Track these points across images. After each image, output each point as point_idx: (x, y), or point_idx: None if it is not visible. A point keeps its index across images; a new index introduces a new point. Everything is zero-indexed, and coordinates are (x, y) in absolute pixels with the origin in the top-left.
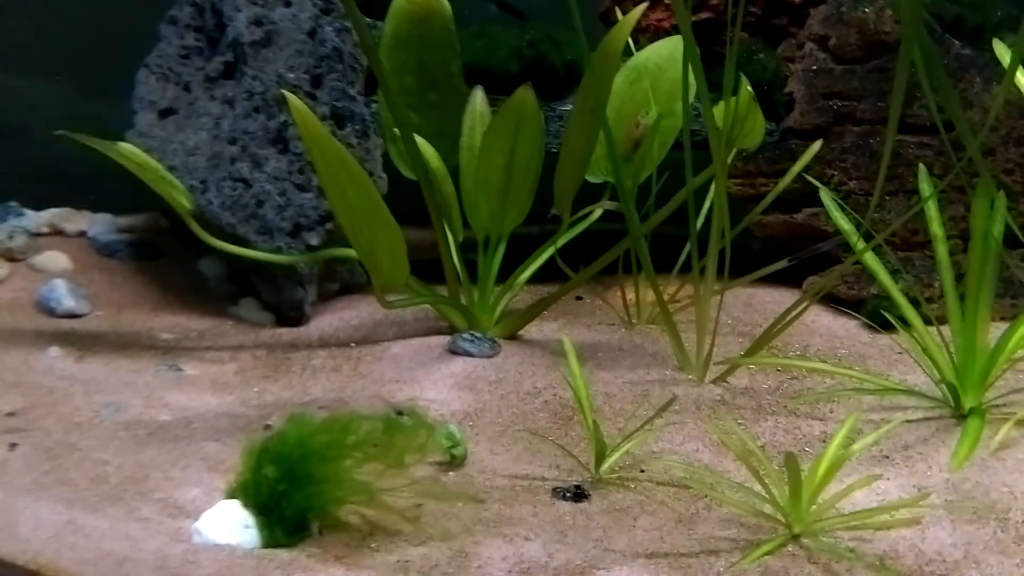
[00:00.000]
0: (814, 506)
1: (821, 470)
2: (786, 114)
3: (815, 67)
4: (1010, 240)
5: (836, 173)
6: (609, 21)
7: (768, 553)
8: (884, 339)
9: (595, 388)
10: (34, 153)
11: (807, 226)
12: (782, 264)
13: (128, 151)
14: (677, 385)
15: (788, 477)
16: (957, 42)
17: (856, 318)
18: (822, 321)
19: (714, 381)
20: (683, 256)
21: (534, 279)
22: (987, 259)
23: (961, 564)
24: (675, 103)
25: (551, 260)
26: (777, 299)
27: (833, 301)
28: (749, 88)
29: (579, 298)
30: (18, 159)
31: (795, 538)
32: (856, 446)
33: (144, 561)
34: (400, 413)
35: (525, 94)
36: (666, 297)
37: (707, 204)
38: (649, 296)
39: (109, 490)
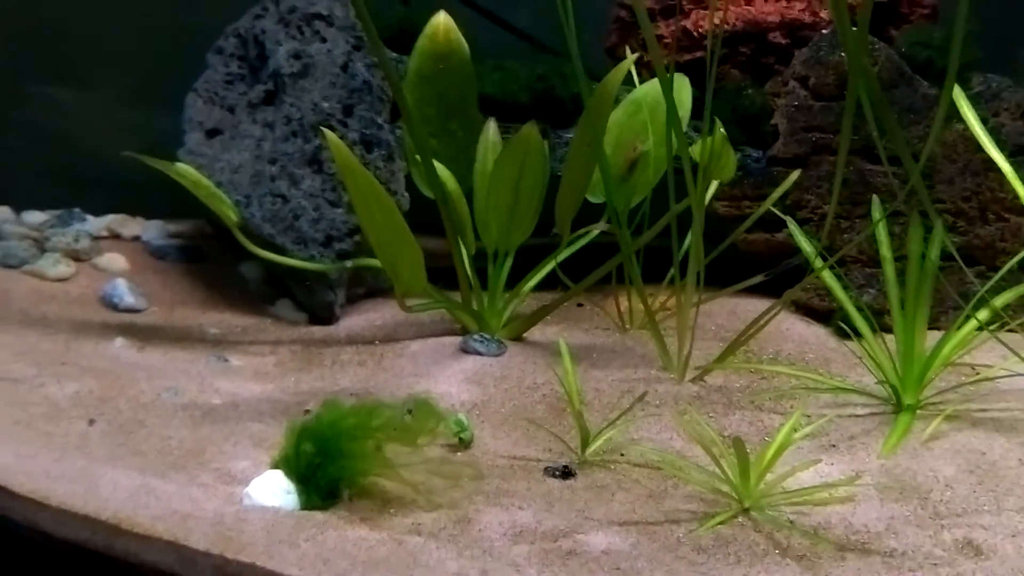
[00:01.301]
0: (762, 485)
1: (768, 455)
2: (772, 143)
3: (796, 103)
4: (968, 258)
5: (812, 198)
6: (615, 55)
7: (721, 523)
8: (849, 345)
9: (587, 384)
10: (94, 163)
11: (787, 244)
12: (759, 278)
13: (185, 171)
14: (660, 383)
15: (737, 460)
16: (925, 82)
17: (825, 326)
18: (796, 329)
19: (692, 380)
20: (673, 269)
21: (539, 287)
22: (923, 279)
23: (882, 535)
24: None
25: (555, 270)
26: (759, 308)
27: (807, 311)
28: (723, 130)
29: (580, 305)
30: (81, 169)
31: (745, 511)
32: (797, 435)
33: (204, 518)
34: (409, 411)
35: (531, 130)
36: (657, 305)
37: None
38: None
39: (173, 460)
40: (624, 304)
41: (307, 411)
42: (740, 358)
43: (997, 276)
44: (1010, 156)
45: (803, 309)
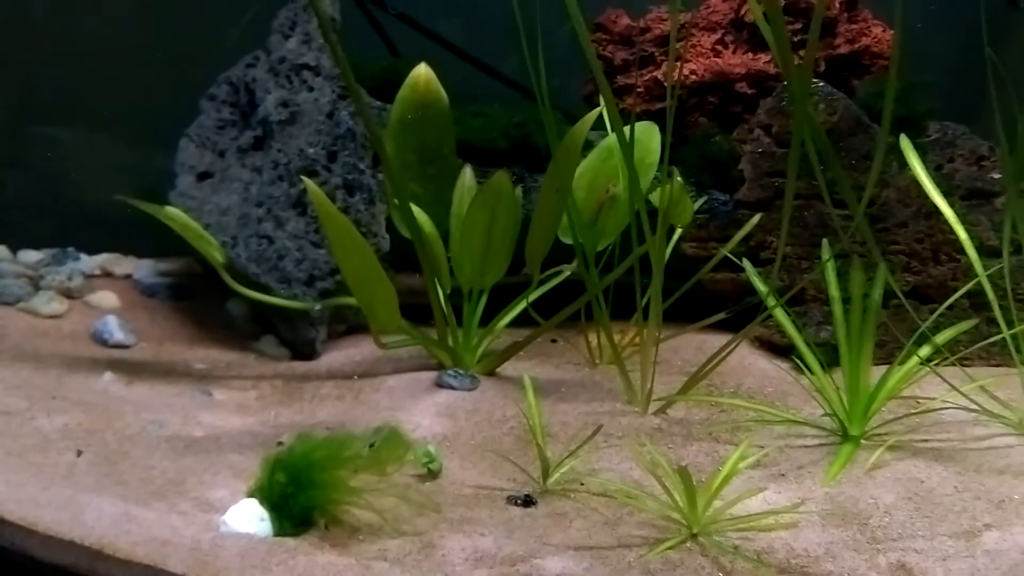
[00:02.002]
0: (711, 511)
1: (715, 484)
2: (739, 188)
3: (760, 150)
4: (922, 297)
5: (774, 240)
6: (591, 102)
7: (670, 548)
8: (806, 380)
9: (555, 417)
10: (90, 203)
11: (751, 283)
12: (721, 315)
13: (174, 214)
14: (623, 416)
15: (684, 488)
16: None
17: (786, 361)
18: (758, 364)
19: (655, 413)
20: (640, 306)
21: (515, 323)
22: (866, 318)
23: (821, 559)
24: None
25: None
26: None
27: (769, 346)
28: (680, 179)
29: (554, 341)
30: (77, 209)
31: (694, 537)
32: (742, 465)
33: (182, 544)
34: (371, 445)
35: (502, 178)
36: (626, 341)
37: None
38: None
39: (155, 489)
40: (594, 340)
41: (280, 443)
42: (703, 392)
43: (936, 313)
44: (963, 199)
45: (766, 345)
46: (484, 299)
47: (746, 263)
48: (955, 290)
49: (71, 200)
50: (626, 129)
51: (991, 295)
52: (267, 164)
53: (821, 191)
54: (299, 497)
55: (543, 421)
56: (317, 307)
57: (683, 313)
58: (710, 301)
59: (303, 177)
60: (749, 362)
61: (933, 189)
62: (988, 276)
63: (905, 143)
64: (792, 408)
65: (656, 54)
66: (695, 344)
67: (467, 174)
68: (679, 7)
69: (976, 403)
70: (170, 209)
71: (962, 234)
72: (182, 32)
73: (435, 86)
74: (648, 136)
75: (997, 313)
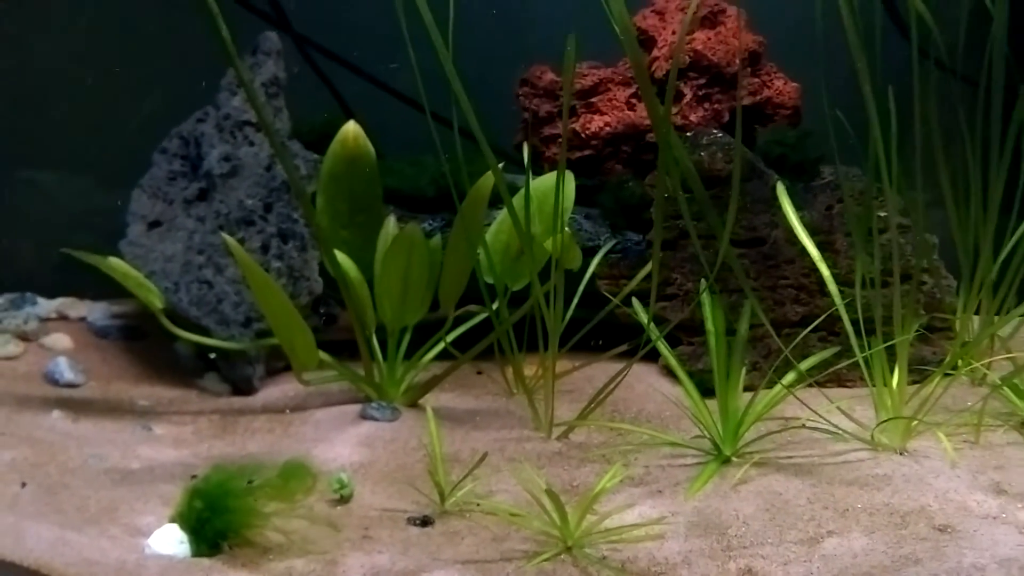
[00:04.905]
0: (587, 525)
1: (588, 501)
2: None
3: (666, 195)
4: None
5: (679, 276)
6: (520, 150)
7: (546, 560)
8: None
9: (467, 444)
10: (51, 248)
11: (659, 316)
12: (624, 347)
13: (115, 264)
14: (529, 441)
15: (554, 507)
16: (775, 175)
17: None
18: (662, 390)
19: (558, 438)
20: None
21: (442, 356)
22: (733, 348)
23: (678, 566)
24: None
25: (456, 340)
26: (636, 373)
27: (671, 374)
28: (568, 230)
29: (479, 372)
30: (38, 253)
31: (568, 549)
32: (611, 483)
33: (109, 564)
34: (250, 481)
35: (413, 229)
36: (540, 372)
37: (575, 300)
38: (527, 371)
39: (89, 516)
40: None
41: (194, 476)
42: (608, 417)
43: (795, 341)
44: (849, 236)
45: (670, 372)
46: (407, 337)
47: (634, 300)
48: (838, 318)
49: (31, 245)
50: (546, 177)
51: (847, 324)
52: (210, 214)
53: (692, 233)
54: (214, 521)
55: (455, 448)
56: (212, 355)
57: (601, 344)
58: (625, 332)
59: (222, 233)
60: (654, 388)
61: (801, 230)
62: (883, 304)
63: (780, 189)
64: (683, 431)
65: (577, 107)
66: (608, 373)
67: (390, 222)
68: (572, 71)
69: (833, 424)
70: (112, 260)
71: (825, 271)
72: (146, 77)
73: (363, 141)
74: (565, 184)
75: (852, 340)
